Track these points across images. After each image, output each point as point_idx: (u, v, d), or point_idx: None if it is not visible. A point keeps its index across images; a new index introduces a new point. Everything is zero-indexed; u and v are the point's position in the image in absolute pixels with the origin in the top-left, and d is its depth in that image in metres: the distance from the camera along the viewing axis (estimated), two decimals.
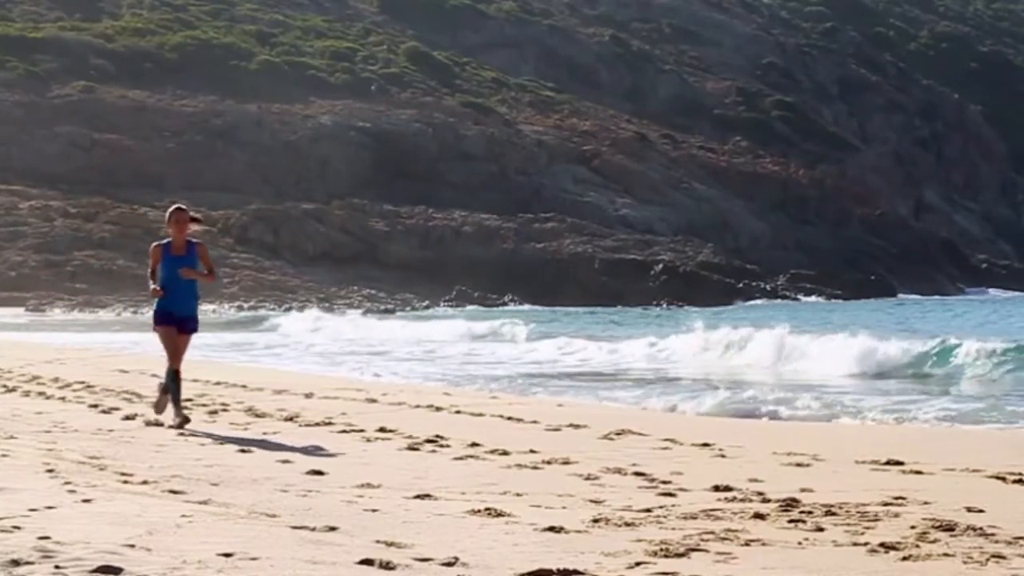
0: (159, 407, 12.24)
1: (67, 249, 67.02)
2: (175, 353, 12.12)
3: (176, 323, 12.14)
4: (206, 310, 52.80)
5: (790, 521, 6.79)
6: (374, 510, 7.13)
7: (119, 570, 5.00)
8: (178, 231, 12.21)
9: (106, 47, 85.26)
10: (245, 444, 10.47)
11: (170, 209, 12.51)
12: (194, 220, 12.50)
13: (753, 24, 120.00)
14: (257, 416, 12.89)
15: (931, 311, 56.31)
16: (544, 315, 52.40)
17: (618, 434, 11.31)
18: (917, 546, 6.06)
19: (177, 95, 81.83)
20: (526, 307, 64.28)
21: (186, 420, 11.82)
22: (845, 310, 58.63)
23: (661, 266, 74.99)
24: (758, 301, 71.26)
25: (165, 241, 12.33)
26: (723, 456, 9.92)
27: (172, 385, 11.99)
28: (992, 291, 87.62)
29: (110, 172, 74.35)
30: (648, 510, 7.17)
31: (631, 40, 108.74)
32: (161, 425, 11.73)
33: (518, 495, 7.78)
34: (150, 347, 30.23)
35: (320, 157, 79.58)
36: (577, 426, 12.10)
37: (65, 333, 38.21)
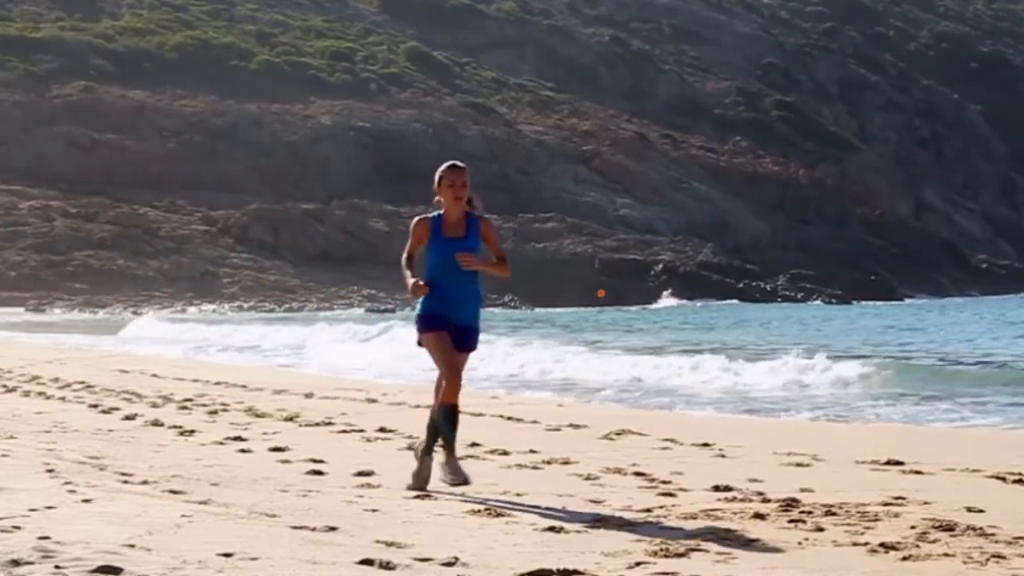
0: (423, 475, 8.06)
1: (67, 249, 67.04)
2: (453, 368, 7.84)
3: (450, 332, 7.91)
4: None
5: (790, 521, 6.79)
6: (374, 510, 7.13)
7: (119, 570, 5.00)
8: (454, 199, 7.86)
9: (106, 47, 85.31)
10: (245, 444, 10.47)
11: (442, 167, 7.96)
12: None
13: (753, 24, 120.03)
14: (257, 416, 12.87)
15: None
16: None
17: (618, 434, 11.31)
18: (917, 546, 6.06)
19: (177, 95, 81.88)
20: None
21: (463, 480, 7.80)
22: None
23: (661, 266, 75.02)
24: (672, 301, 69.45)
25: (434, 214, 7.98)
26: (723, 456, 9.91)
27: (446, 425, 7.88)
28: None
29: (110, 172, 74.40)
30: (648, 510, 7.17)
31: (631, 40, 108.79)
32: (424, 490, 7.89)
33: (518, 495, 7.78)
34: (137, 349, 30.24)
35: (320, 157, 79.62)
36: (577, 426, 12.10)
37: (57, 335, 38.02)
